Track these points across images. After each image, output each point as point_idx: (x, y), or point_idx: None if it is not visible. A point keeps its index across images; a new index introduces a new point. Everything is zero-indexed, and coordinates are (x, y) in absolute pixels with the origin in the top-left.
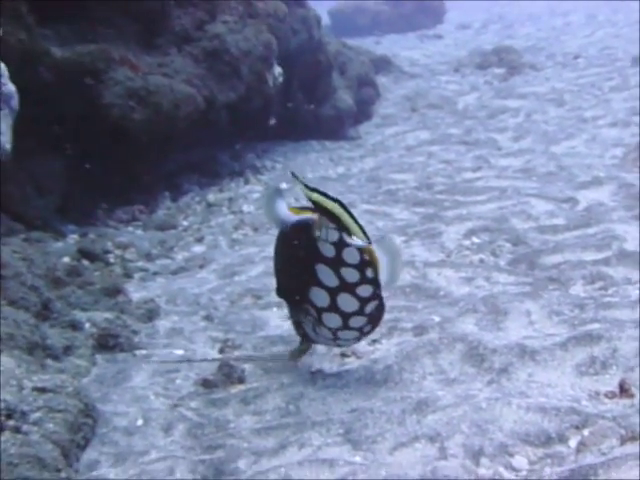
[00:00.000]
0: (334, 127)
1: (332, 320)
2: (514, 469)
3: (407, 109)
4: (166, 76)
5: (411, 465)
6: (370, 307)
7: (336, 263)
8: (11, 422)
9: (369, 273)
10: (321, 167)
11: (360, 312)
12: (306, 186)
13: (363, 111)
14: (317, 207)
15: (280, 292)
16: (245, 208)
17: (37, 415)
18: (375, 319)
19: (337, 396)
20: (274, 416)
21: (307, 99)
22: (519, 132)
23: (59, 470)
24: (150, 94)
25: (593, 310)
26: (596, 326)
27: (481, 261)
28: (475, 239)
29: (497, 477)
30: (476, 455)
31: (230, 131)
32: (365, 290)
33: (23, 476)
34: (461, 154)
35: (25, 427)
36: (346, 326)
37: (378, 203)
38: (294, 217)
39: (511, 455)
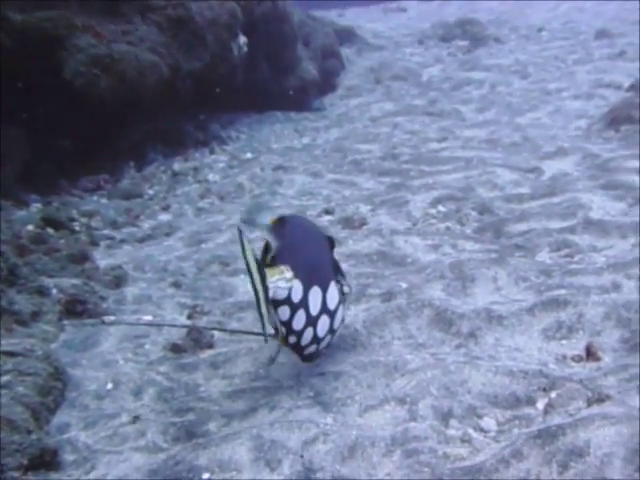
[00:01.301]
0: (299, 98)
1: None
2: (483, 430)
3: (371, 80)
4: (131, 44)
5: (381, 426)
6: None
7: None
8: None
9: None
10: (286, 138)
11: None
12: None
13: (327, 82)
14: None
15: None
16: (211, 177)
17: (6, 378)
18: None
19: None
20: (244, 380)
21: (271, 69)
22: (483, 104)
23: (30, 432)
24: (114, 62)
25: (559, 276)
26: (562, 292)
27: (447, 229)
28: (441, 208)
29: (466, 438)
30: (445, 417)
31: (195, 101)
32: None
33: None
34: (426, 125)
35: None
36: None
37: (344, 173)
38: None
39: (480, 417)
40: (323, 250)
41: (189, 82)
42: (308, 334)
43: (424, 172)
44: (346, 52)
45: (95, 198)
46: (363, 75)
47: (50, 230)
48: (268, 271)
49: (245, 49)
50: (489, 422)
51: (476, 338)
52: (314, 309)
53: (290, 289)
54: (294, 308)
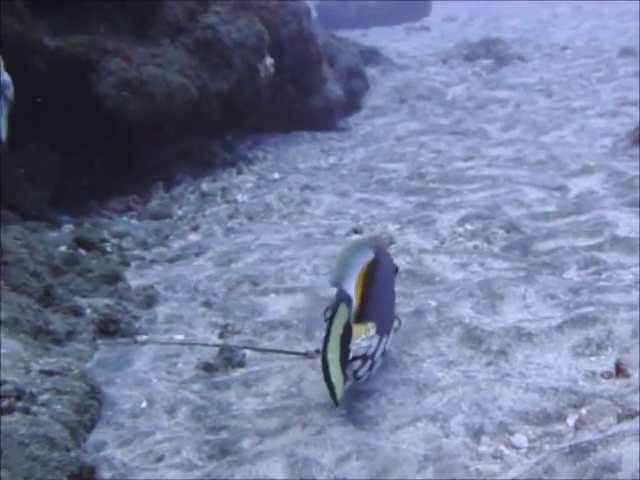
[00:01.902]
0: (324, 118)
1: None
2: (514, 447)
3: (396, 100)
4: (159, 67)
5: (414, 443)
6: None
7: None
8: (20, 403)
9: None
10: (312, 157)
11: None
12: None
13: (352, 102)
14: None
15: None
16: (239, 197)
17: (45, 397)
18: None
19: None
20: (276, 398)
21: (297, 90)
22: (509, 122)
23: (69, 450)
24: (143, 84)
25: (587, 294)
26: (591, 309)
27: (475, 247)
28: (469, 226)
29: (498, 454)
30: (477, 433)
31: (221, 121)
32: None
33: (34, 455)
34: (451, 144)
35: (34, 408)
36: None
37: (371, 192)
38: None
39: (511, 433)
40: (393, 289)
41: (216, 103)
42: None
43: (451, 191)
44: (371, 72)
45: (125, 219)
46: (388, 95)
47: (82, 251)
48: (356, 329)
49: (272, 70)
50: (520, 439)
51: (506, 355)
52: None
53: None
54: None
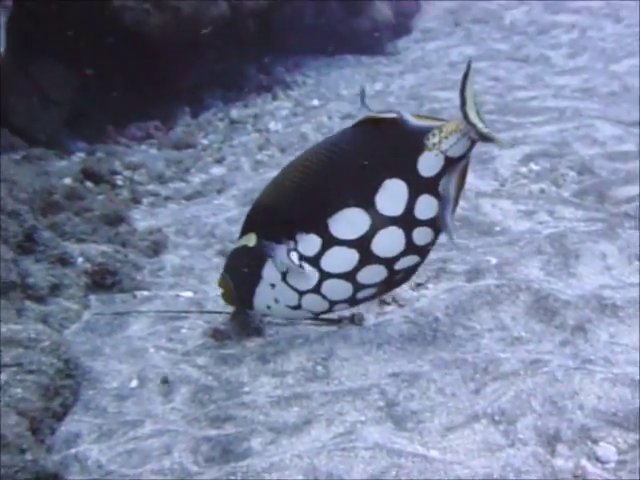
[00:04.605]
0: (371, 41)
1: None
2: (600, 460)
3: (450, 23)
4: None
5: (470, 453)
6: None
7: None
8: None
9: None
10: (357, 83)
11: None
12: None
13: (402, 25)
14: None
15: None
16: (272, 126)
17: (2, 377)
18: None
19: (375, 355)
20: (297, 379)
21: (342, 9)
22: (574, 49)
23: (23, 451)
24: None
25: None
26: None
27: (542, 191)
28: (533, 166)
29: (578, 472)
30: (551, 441)
31: (258, 42)
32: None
33: None
34: (511, 71)
35: None
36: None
37: None
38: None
39: (595, 442)
40: None
41: (252, 21)
42: None
43: (512, 124)
44: None
45: (144, 147)
46: (441, 17)
47: (90, 184)
48: None
49: None
50: (607, 449)
51: (585, 333)
52: None
53: None
54: None
